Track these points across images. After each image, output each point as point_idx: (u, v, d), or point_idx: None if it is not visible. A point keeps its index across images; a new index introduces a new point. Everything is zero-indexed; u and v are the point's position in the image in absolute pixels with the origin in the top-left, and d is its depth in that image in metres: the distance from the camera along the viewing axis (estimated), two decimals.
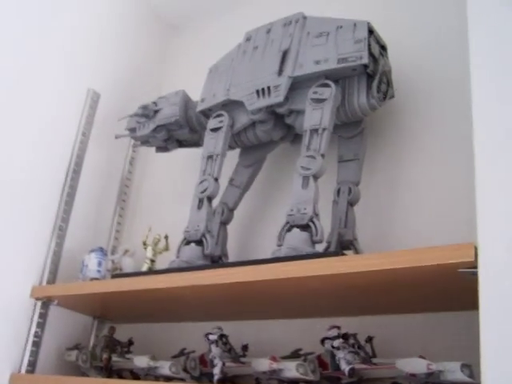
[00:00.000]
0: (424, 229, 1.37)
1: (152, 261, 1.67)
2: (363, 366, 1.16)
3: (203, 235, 1.43)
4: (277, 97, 1.42)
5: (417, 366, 1.03)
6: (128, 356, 1.57)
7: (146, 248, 1.68)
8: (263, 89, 1.45)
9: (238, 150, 1.66)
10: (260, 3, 2.09)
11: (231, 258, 1.58)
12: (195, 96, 1.72)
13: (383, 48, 1.43)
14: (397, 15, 1.65)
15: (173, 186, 1.99)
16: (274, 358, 1.24)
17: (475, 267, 0.94)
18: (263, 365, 1.23)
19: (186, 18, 2.26)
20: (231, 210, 1.59)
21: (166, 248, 1.68)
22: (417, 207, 1.40)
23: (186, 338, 1.65)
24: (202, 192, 1.47)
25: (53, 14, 1.87)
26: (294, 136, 1.57)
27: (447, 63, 1.50)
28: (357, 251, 1.33)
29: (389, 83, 1.44)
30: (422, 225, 1.38)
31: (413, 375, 1.04)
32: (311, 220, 1.25)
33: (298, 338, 1.42)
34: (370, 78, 1.39)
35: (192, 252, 1.42)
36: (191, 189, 1.76)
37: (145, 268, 1.65)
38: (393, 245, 1.38)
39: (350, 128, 1.46)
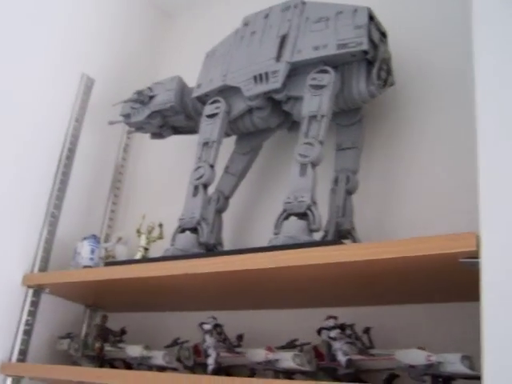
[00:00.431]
0: (423, 218, 1.34)
1: (146, 249, 1.65)
2: (360, 356, 1.14)
3: (198, 223, 1.40)
4: (274, 83, 1.40)
5: (416, 357, 1.01)
6: (120, 345, 1.55)
7: (139, 236, 1.66)
8: (261, 74, 1.42)
9: (233, 138, 1.64)
10: None
11: (226, 247, 1.56)
12: (190, 82, 1.69)
13: (383, 35, 1.40)
14: (396, 1, 1.62)
15: (167, 174, 1.97)
16: (269, 349, 1.22)
17: (477, 257, 0.92)
18: (259, 355, 1.21)
19: (181, 4, 2.23)
20: (227, 198, 1.57)
21: (160, 236, 1.66)
22: (416, 196, 1.38)
23: (179, 327, 1.63)
24: (198, 179, 1.45)
25: None
26: (291, 123, 1.55)
27: (447, 50, 1.47)
28: (355, 240, 1.32)
29: (389, 71, 1.41)
30: (420, 214, 1.35)
31: (412, 366, 1.02)
32: (309, 208, 1.23)
33: (293, 329, 1.40)
34: (370, 64, 1.36)
35: (187, 240, 1.40)
36: (186, 176, 1.73)
37: (138, 256, 1.63)
38: (391, 234, 1.36)
39: (348, 116, 1.44)
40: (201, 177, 1.44)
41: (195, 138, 1.79)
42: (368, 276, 1.15)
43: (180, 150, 1.96)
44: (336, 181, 1.38)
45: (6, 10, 1.72)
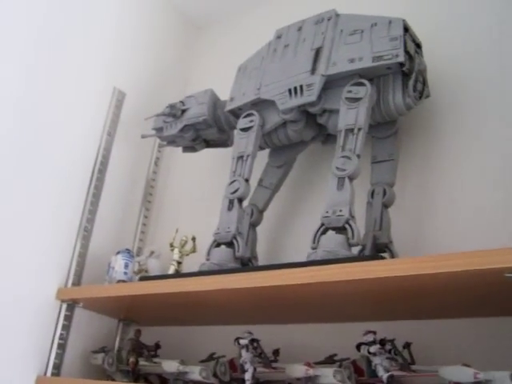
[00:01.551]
0: (459, 232, 1.33)
1: (179, 263, 1.64)
2: (402, 373, 1.12)
3: (234, 237, 1.39)
4: (310, 96, 1.39)
5: (462, 374, 0.99)
6: (155, 360, 1.54)
7: (172, 250, 1.65)
8: (295, 88, 1.41)
9: (266, 151, 1.63)
10: (282, 2, 2.06)
11: (260, 261, 1.55)
12: (221, 95, 1.69)
13: (418, 46, 1.39)
14: (431, 11, 1.62)
15: (197, 187, 1.97)
16: (308, 364, 1.20)
17: None
18: (299, 371, 1.19)
19: (211, 17, 2.23)
20: (261, 212, 1.56)
21: (193, 250, 1.65)
22: (452, 210, 1.36)
23: (213, 341, 1.62)
24: (233, 193, 1.44)
25: (80, 13, 1.85)
26: (325, 136, 1.54)
27: (484, 62, 1.46)
28: (392, 254, 1.30)
29: (424, 82, 1.40)
30: (457, 228, 1.34)
31: None
32: (347, 222, 1.22)
33: (330, 343, 1.39)
34: (406, 76, 1.35)
35: (223, 254, 1.39)
36: (216, 190, 1.74)
37: (171, 270, 1.62)
38: (427, 248, 1.34)
39: (384, 128, 1.43)
40: (236, 191, 1.44)
41: (225, 151, 1.80)
42: (409, 291, 1.13)
43: (209, 164, 1.96)
44: (372, 194, 1.37)
45: (40, 24, 1.74)
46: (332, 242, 1.21)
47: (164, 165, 2.06)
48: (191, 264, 1.57)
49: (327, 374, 1.16)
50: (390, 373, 1.13)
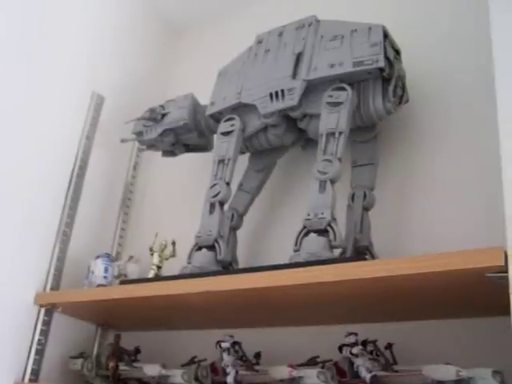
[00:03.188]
0: (439, 235, 1.35)
1: (158, 267, 1.63)
2: (385, 373, 1.14)
3: (216, 240, 1.40)
4: (291, 100, 1.40)
5: (445, 372, 1.01)
6: (136, 365, 1.53)
7: (152, 254, 1.65)
8: (277, 92, 1.43)
9: (247, 155, 1.64)
10: (262, 8, 2.08)
11: (240, 265, 1.55)
12: (200, 100, 1.70)
13: (397, 52, 1.42)
14: (408, 18, 1.65)
15: (176, 191, 1.97)
16: (292, 366, 1.21)
17: (504, 272, 0.92)
18: (282, 372, 1.20)
19: (190, 22, 2.25)
20: (241, 216, 1.57)
21: (173, 254, 1.65)
22: (431, 213, 1.39)
23: (192, 346, 1.61)
24: (214, 196, 1.44)
25: (57, 15, 1.84)
26: (305, 141, 1.56)
27: (460, 68, 1.49)
28: (373, 256, 1.31)
29: (404, 88, 1.43)
30: (435, 230, 1.36)
31: (440, 382, 1.02)
32: (329, 225, 1.23)
33: (310, 346, 1.39)
34: (386, 82, 1.37)
35: (204, 258, 1.39)
36: (195, 194, 1.74)
37: (151, 274, 1.62)
38: (407, 250, 1.36)
39: (363, 132, 1.45)
40: (217, 194, 1.44)
41: (204, 156, 1.81)
42: (391, 292, 1.15)
43: (188, 168, 1.96)
44: (353, 197, 1.38)
45: (16, 27, 1.72)
46: (314, 245, 1.22)
47: (143, 169, 2.06)
48: (170, 268, 1.57)
49: (311, 375, 1.17)
50: (373, 373, 1.14)
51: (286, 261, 1.24)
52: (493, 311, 1.08)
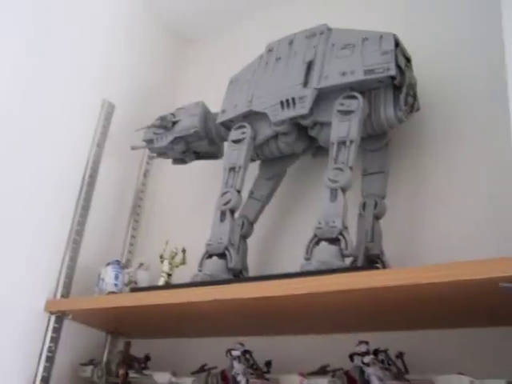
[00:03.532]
0: (450, 243, 1.34)
1: (169, 275, 1.63)
2: (397, 382, 1.13)
3: (226, 248, 1.40)
4: (302, 108, 1.40)
5: (458, 383, 1.01)
6: (146, 372, 1.54)
7: (162, 261, 1.65)
8: (288, 100, 1.43)
9: (257, 163, 1.64)
10: (271, 16, 2.08)
11: (250, 273, 1.55)
12: (209, 108, 1.70)
13: (408, 60, 1.42)
14: (419, 24, 1.65)
15: (186, 199, 1.97)
16: (303, 374, 1.21)
17: None
18: (293, 381, 1.20)
19: (200, 31, 2.26)
20: (251, 224, 1.57)
21: (183, 262, 1.64)
22: (443, 221, 1.38)
23: (201, 354, 1.61)
24: (225, 204, 1.44)
25: (67, 25, 1.86)
26: (315, 149, 1.56)
27: (472, 75, 1.49)
28: (384, 265, 1.31)
29: (415, 96, 1.42)
30: (448, 239, 1.35)
31: None
32: (341, 233, 1.22)
33: (320, 355, 1.39)
34: (397, 90, 1.37)
35: (215, 265, 1.39)
36: (205, 202, 1.74)
37: (161, 282, 1.62)
38: (419, 260, 1.35)
39: (374, 141, 1.44)
40: (228, 202, 1.44)
41: (213, 164, 1.81)
42: (402, 301, 1.14)
43: (198, 175, 1.96)
44: (364, 206, 1.38)
45: (26, 36, 1.73)
46: (325, 253, 1.22)
47: (153, 176, 2.06)
48: (180, 276, 1.57)
49: (322, 383, 1.16)
50: (383, 382, 1.14)
51: (296, 269, 1.24)
52: (506, 321, 1.07)
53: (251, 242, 1.57)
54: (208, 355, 1.54)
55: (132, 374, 1.56)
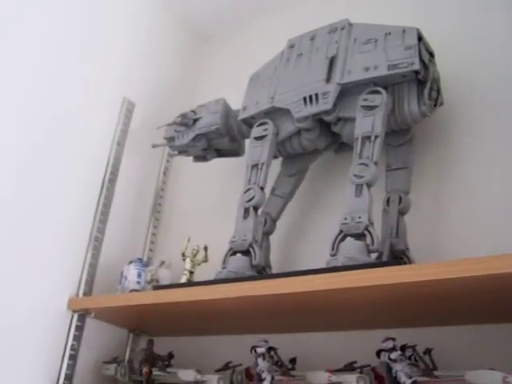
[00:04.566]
0: (476, 238, 1.33)
1: (191, 272, 1.63)
2: (426, 378, 1.12)
3: (250, 245, 1.39)
4: (325, 104, 1.40)
5: (490, 378, 0.99)
6: (169, 370, 1.53)
7: (184, 259, 1.64)
8: (311, 96, 1.42)
9: (279, 160, 1.64)
10: (290, 12, 2.08)
11: (273, 270, 1.54)
12: (230, 105, 1.70)
13: (431, 55, 1.41)
14: (442, 20, 1.63)
15: (206, 196, 1.97)
16: (330, 371, 1.20)
17: None
18: (320, 378, 1.19)
19: (218, 29, 2.25)
20: (274, 221, 1.56)
21: (205, 259, 1.64)
22: (468, 216, 1.37)
23: (225, 351, 1.61)
24: (248, 201, 1.44)
25: (88, 23, 1.86)
26: (338, 145, 1.55)
27: (496, 69, 1.47)
28: (410, 261, 1.30)
29: (438, 90, 1.41)
30: (473, 234, 1.34)
31: None
32: (366, 228, 1.22)
33: (346, 351, 1.38)
34: (421, 85, 1.36)
35: (239, 262, 1.39)
36: (225, 199, 1.74)
37: (183, 280, 1.61)
38: (444, 255, 1.34)
39: (398, 136, 1.43)
40: (251, 199, 1.44)
41: (233, 161, 1.81)
42: (429, 296, 1.13)
43: (218, 173, 1.96)
44: (388, 201, 1.37)
45: (48, 35, 1.74)
46: (351, 249, 1.21)
47: (173, 174, 2.06)
48: (202, 273, 1.56)
49: (350, 380, 1.16)
50: (413, 378, 1.13)
51: (319, 265, 1.24)
52: None
53: (273, 238, 1.57)
54: (231, 353, 1.54)
55: (156, 372, 1.55)
